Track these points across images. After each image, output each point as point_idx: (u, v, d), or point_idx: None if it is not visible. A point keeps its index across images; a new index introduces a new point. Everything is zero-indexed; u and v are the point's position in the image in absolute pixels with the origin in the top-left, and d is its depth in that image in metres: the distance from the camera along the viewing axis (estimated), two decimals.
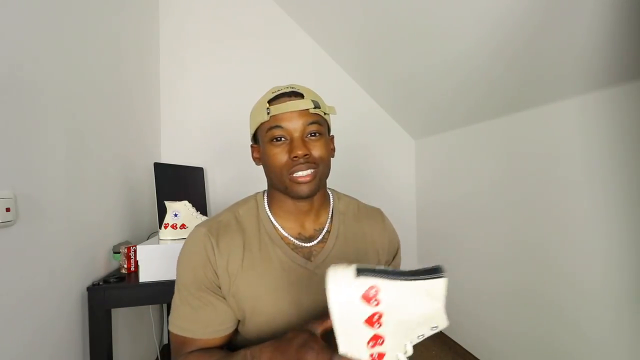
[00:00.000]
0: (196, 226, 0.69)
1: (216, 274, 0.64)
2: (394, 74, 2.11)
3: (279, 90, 0.66)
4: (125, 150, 1.60)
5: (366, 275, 0.41)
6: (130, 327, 1.60)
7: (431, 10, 1.50)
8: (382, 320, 0.42)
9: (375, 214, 0.79)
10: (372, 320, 0.41)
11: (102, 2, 1.40)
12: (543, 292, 1.48)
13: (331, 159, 0.71)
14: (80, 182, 1.19)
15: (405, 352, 0.44)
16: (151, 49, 2.04)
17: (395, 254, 0.79)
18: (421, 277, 0.42)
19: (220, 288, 0.65)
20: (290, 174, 0.63)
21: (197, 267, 0.64)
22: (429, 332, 0.45)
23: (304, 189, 0.63)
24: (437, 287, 0.43)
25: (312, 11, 2.17)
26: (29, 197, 0.93)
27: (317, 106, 0.64)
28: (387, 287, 0.41)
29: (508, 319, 1.69)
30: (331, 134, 0.73)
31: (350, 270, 0.41)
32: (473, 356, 1.96)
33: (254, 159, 0.72)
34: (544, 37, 1.22)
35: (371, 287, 0.41)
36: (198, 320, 0.64)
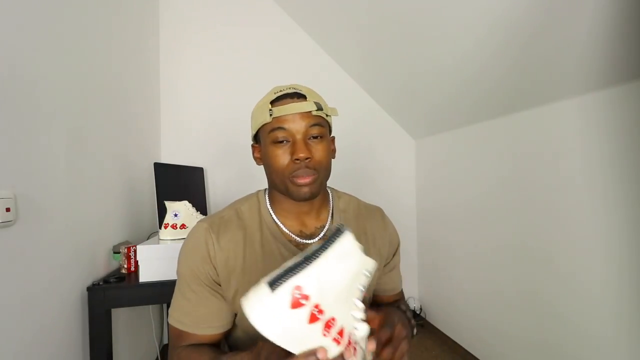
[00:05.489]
0: (198, 221, 0.70)
1: (215, 270, 0.65)
2: (394, 74, 2.11)
3: (281, 91, 0.65)
4: (125, 150, 1.60)
5: (280, 283, 0.38)
6: (130, 327, 1.60)
7: (431, 11, 1.50)
8: (322, 308, 0.39)
9: (375, 213, 0.79)
10: (315, 317, 0.39)
11: (102, 2, 1.40)
12: (543, 292, 1.48)
13: (332, 159, 0.71)
14: (80, 182, 1.19)
15: (357, 308, 0.45)
16: (151, 49, 2.04)
17: (394, 253, 0.80)
18: (328, 245, 0.42)
19: (220, 285, 0.66)
20: (291, 176, 0.63)
21: (196, 262, 0.65)
22: (365, 280, 0.46)
23: (306, 191, 0.63)
24: (346, 244, 0.43)
25: (312, 11, 2.17)
26: (29, 197, 0.93)
27: (319, 108, 0.64)
28: (306, 280, 0.38)
29: (508, 319, 1.69)
30: (332, 135, 0.73)
31: (263, 290, 0.38)
32: (473, 356, 1.96)
33: (255, 158, 0.71)
34: (544, 37, 1.22)
35: (294, 289, 0.38)
36: (194, 315, 0.65)
